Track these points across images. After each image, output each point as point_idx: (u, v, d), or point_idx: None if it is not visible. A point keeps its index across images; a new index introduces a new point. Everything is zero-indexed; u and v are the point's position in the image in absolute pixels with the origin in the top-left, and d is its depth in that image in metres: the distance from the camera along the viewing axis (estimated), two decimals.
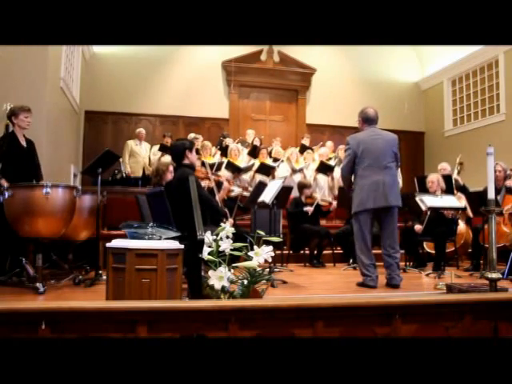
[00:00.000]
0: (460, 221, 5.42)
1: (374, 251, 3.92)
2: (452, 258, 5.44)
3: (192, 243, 2.85)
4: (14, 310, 2.13)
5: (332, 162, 7.86)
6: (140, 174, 7.95)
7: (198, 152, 4.41)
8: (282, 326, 2.36)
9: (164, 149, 7.75)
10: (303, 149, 8.29)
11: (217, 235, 2.70)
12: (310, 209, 5.65)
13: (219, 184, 5.30)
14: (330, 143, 8.51)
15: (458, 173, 6.10)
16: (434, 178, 5.18)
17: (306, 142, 8.65)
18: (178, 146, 3.65)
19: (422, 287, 4.13)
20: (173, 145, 3.87)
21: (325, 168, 7.61)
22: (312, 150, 8.30)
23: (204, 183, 4.86)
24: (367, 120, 3.95)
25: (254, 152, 7.65)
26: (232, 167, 7.13)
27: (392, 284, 3.75)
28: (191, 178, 3.14)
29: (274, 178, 6.81)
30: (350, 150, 3.87)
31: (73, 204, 3.62)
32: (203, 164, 6.28)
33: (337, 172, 7.75)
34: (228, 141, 7.98)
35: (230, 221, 5.44)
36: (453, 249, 5.27)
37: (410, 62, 10.83)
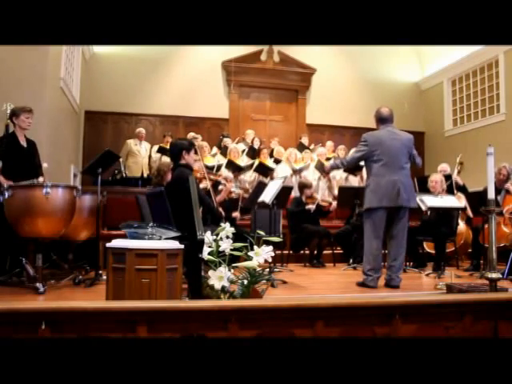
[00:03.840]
0: (460, 221, 5.42)
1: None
2: (452, 258, 5.44)
3: (192, 243, 2.85)
4: (14, 310, 2.13)
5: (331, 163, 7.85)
6: (140, 173, 7.95)
7: (196, 152, 4.41)
8: (281, 325, 2.36)
9: (162, 151, 7.77)
10: (302, 147, 8.30)
11: (217, 235, 2.71)
12: (311, 207, 5.67)
13: (217, 184, 5.30)
14: (329, 143, 8.51)
15: (458, 173, 6.10)
16: (437, 178, 5.17)
17: (304, 141, 8.66)
18: (176, 146, 3.64)
19: (422, 287, 4.13)
20: (171, 144, 3.87)
21: (321, 168, 7.60)
22: (310, 149, 8.30)
23: (202, 184, 4.87)
24: (381, 119, 3.96)
25: (253, 153, 7.65)
26: (233, 166, 7.14)
27: (391, 285, 3.75)
28: (191, 179, 3.14)
29: (272, 178, 6.81)
30: (366, 147, 3.86)
31: (73, 204, 3.63)
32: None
33: (336, 173, 7.76)
34: (227, 141, 7.97)
35: (236, 214, 5.48)
36: (453, 249, 5.27)
37: (410, 62, 10.82)
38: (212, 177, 5.28)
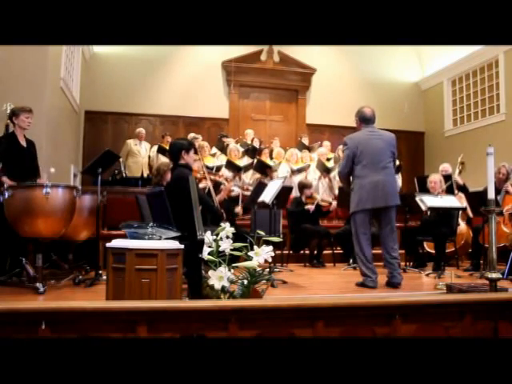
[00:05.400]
0: (461, 221, 5.42)
1: (373, 251, 3.92)
2: (452, 258, 5.44)
3: (192, 243, 2.85)
4: (14, 310, 2.13)
5: (331, 162, 7.86)
6: (140, 173, 7.96)
7: (196, 152, 4.41)
8: (281, 325, 2.36)
9: (161, 151, 7.78)
10: (302, 147, 8.30)
11: (217, 235, 2.70)
12: (311, 207, 5.67)
13: (218, 184, 5.31)
14: (326, 143, 8.50)
15: (460, 173, 6.09)
16: (436, 179, 5.18)
17: (304, 141, 8.66)
18: (175, 146, 3.63)
19: (422, 287, 4.13)
20: (171, 144, 3.87)
21: (322, 167, 7.61)
22: (309, 149, 8.30)
23: (202, 184, 4.87)
24: (364, 120, 3.93)
25: (252, 153, 7.65)
26: (232, 166, 7.14)
27: (393, 282, 3.75)
28: (191, 178, 3.14)
29: (272, 178, 6.81)
30: (349, 150, 3.85)
31: (73, 204, 3.63)
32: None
33: (336, 174, 7.77)
34: (230, 141, 7.97)
35: (238, 209, 5.54)
36: (453, 249, 5.27)
37: (410, 62, 10.82)
38: (212, 177, 5.28)
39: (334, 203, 6.14)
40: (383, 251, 3.87)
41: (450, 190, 5.41)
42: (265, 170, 7.25)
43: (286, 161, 7.76)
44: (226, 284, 2.59)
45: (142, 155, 8.16)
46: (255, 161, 7.37)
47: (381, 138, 3.87)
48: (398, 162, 4.05)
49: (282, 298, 3.24)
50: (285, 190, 4.86)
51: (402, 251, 4.77)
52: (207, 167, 6.35)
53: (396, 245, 3.86)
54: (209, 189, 4.76)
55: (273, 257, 2.67)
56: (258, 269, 2.67)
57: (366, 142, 3.81)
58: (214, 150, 7.80)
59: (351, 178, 3.94)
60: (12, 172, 3.84)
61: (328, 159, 7.94)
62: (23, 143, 4.05)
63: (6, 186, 3.49)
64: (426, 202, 4.66)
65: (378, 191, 3.72)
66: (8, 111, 4.07)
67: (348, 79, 10.45)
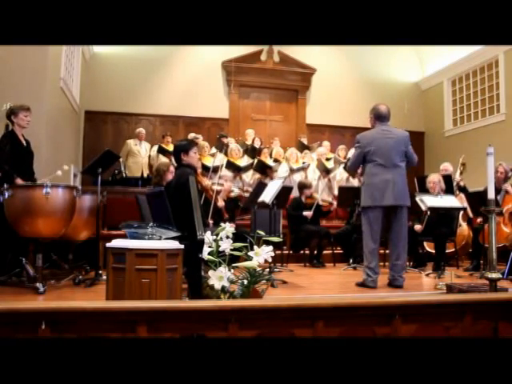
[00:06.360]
0: (462, 221, 5.42)
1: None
2: (452, 258, 5.44)
3: (192, 243, 2.85)
4: (14, 310, 2.13)
5: (331, 163, 7.87)
6: (140, 173, 7.96)
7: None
8: (282, 325, 2.36)
9: (162, 151, 7.78)
10: (302, 147, 8.30)
11: (217, 235, 2.70)
12: (309, 213, 5.64)
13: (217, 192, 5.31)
14: (326, 143, 8.50)
15: (461, 173, 6.08)
16: (435, 179, 5.17)
17: (304, 141, 8.66)
18: (175, 148, 3.63)
19: (422, 287, 4.13)
20: (174, 146, 3.88)
21: (321, 168, 7.62)
22: (309, 148, 8.30)
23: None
24: (379, 117, 3.92)
25: (253, 153, 7.65)
26: (232, 166, 7.14)
27: (395, 285, 3.75)
28: (191, 179, 3.14)
29: (272, 178, 6.81)
30: (360, 148, 3.86)
31: (73, 204, 3.63)
32: (204, 168, 6.28)
33: (336, 174, 7.77)
34: (229, 140, 7.96)
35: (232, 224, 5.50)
36: (453, 249, 5.27)
37: (410, 62, 10.82)
38: (216, 186, 5.29)
39: (334, 203, 6.14)
40: (390, 252, 3.86)
41: (450, 190, 5.40)
42: (265, 170, 7.26)
43: (286, 160, 7.75)
44: (226, 284, 2.58)
45: (141, 155, 8.17)
46: (255, 161, 7.37)
47: (393, 137, 3.84)
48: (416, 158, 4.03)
49: (282, 297, 3.24)
50: (285, 190, 4.86)
51: None
52: (205, 168, 6.36)
53: (404, 247, 3.83)
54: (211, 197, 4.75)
55: (273, 257, 2.67)
56: (258, 269, 2.67)
57: (379, 141, 3.80)
58: (214, 150, 7.80)
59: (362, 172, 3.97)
60: (14, 171, 3.83)
61: (328, 159, 7.94)
62: (23, 142, 4.05)
63: (6, 186, 3.48)
64: (426, 202, 4.66)
65: (388, 190, 3.71)
66: None
67: (348, 79, 10.45)
